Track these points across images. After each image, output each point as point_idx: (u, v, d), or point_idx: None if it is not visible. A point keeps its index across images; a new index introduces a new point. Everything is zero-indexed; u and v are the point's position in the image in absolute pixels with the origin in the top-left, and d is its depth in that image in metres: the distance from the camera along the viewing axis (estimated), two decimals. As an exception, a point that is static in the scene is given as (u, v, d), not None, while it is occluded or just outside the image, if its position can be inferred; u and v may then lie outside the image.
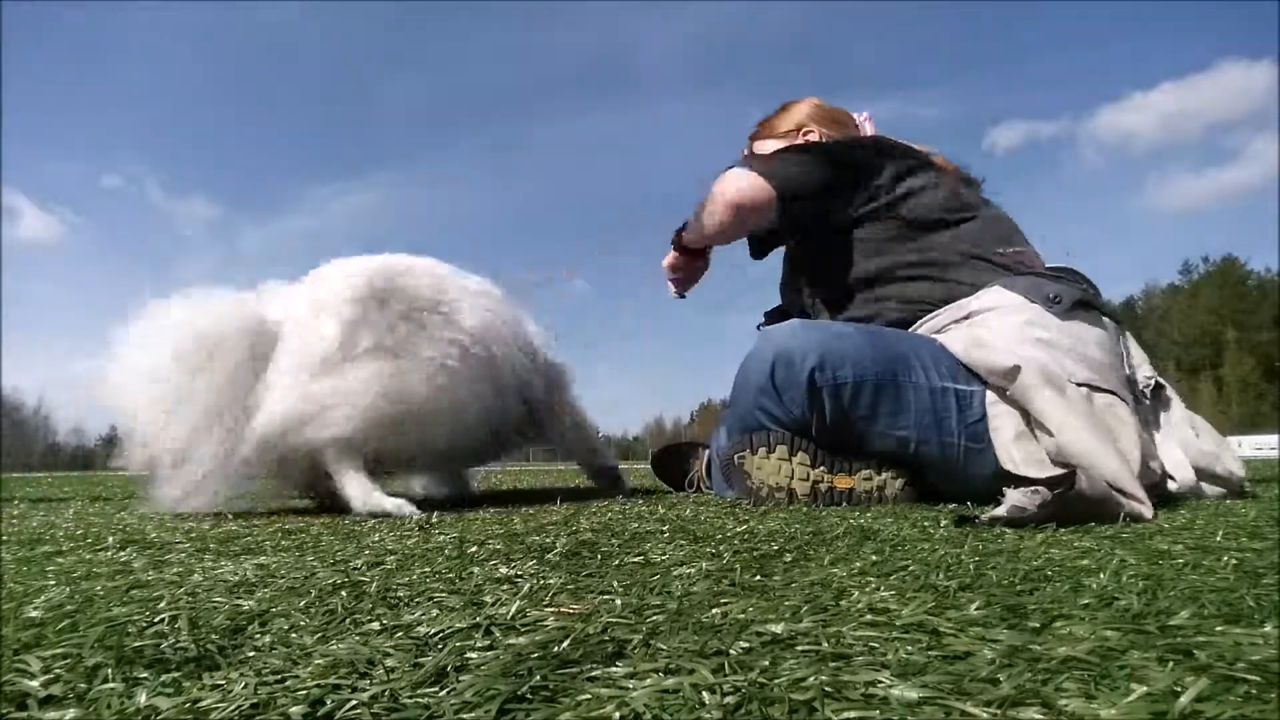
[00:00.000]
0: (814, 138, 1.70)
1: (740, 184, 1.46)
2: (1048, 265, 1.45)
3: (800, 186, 1.46)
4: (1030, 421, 1.20)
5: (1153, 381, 1.38)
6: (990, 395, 1.24)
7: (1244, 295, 41.97)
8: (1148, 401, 1.36)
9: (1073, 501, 0.90)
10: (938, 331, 1.39)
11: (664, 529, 0.91)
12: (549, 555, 0.70)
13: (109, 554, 0.79)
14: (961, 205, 1.49)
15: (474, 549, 0.76)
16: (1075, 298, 1.31)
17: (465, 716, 0.29)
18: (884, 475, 1.30)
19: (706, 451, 1.89)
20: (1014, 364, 1.18)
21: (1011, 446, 1.19)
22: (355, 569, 0.65)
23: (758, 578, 0.57)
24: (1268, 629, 0.39)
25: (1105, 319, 1.36)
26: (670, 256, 1.72)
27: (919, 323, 1.43)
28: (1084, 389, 1.18)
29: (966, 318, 1.35)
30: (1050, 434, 1.14)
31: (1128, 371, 1.35)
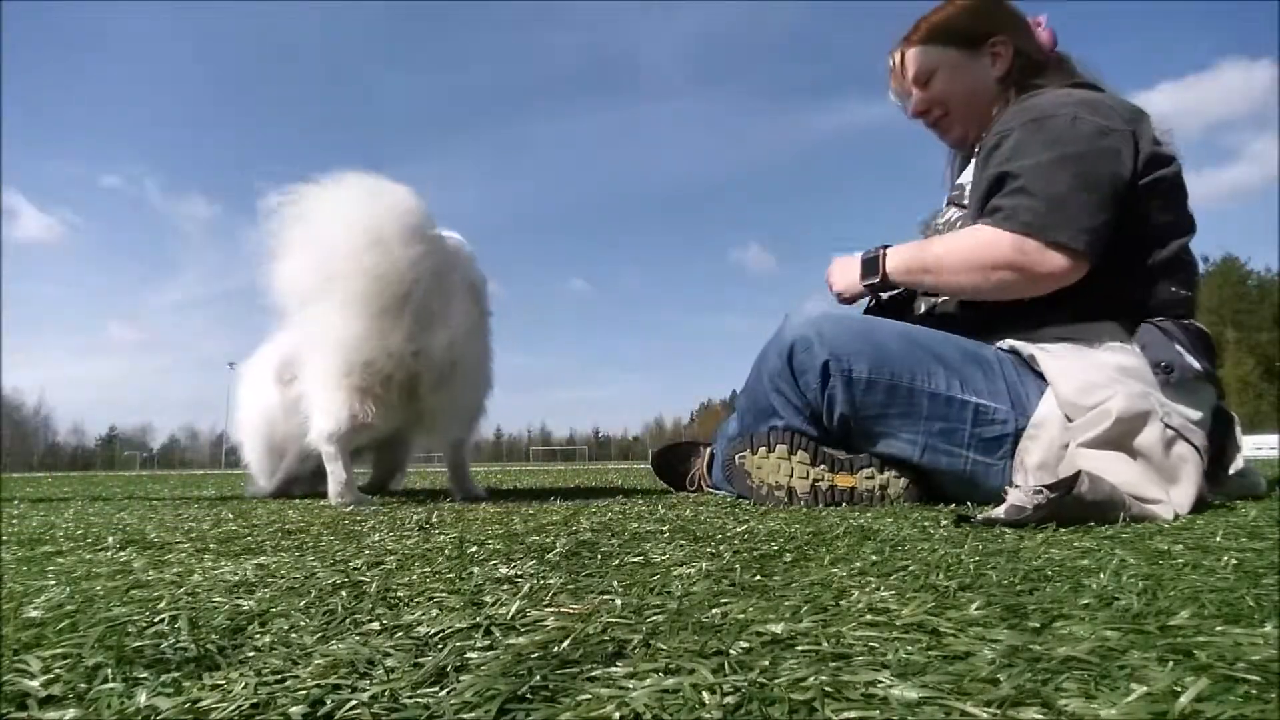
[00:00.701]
0: (1005, 53, 1.38)
1: (1052, 262, 1.19)
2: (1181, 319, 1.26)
3: (1103, 238, 1.20)
4: (1061, 456, 1.15)
5: (1241, 464, 1.28)
6: (1039, 415, 1.19)
7: (1244, 295, 41.97)
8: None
9: (1069, 505, 0.90)
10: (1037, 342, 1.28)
11: (664, 529, 0.91)
12: (549, 555, 0.70)
13: (109, 554, 0.79)
14: (1184, 224, 1.28)
15: (474, 549, 0.76)
16: (1189, 374, 1.17)
17: (465, 716, 0.29)
18: (886, 474, 1.29)
19: (707, 450, 1.89)
20: (1105, 397, 1.11)
21: (1032, 471, 1.16)
22: (355, 569, 0.65)
23: (758, 578, 0.57)
24: (1268, 629, 0.39)
25: (1213, 398, 1.22)
26: (850, 284, 1.43)
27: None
28: (1170, 431, 1.11)
29: (1073, 338, 1.25)
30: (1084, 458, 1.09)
31: (1237, 462, 1.25)
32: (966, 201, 1.39)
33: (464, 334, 1.51)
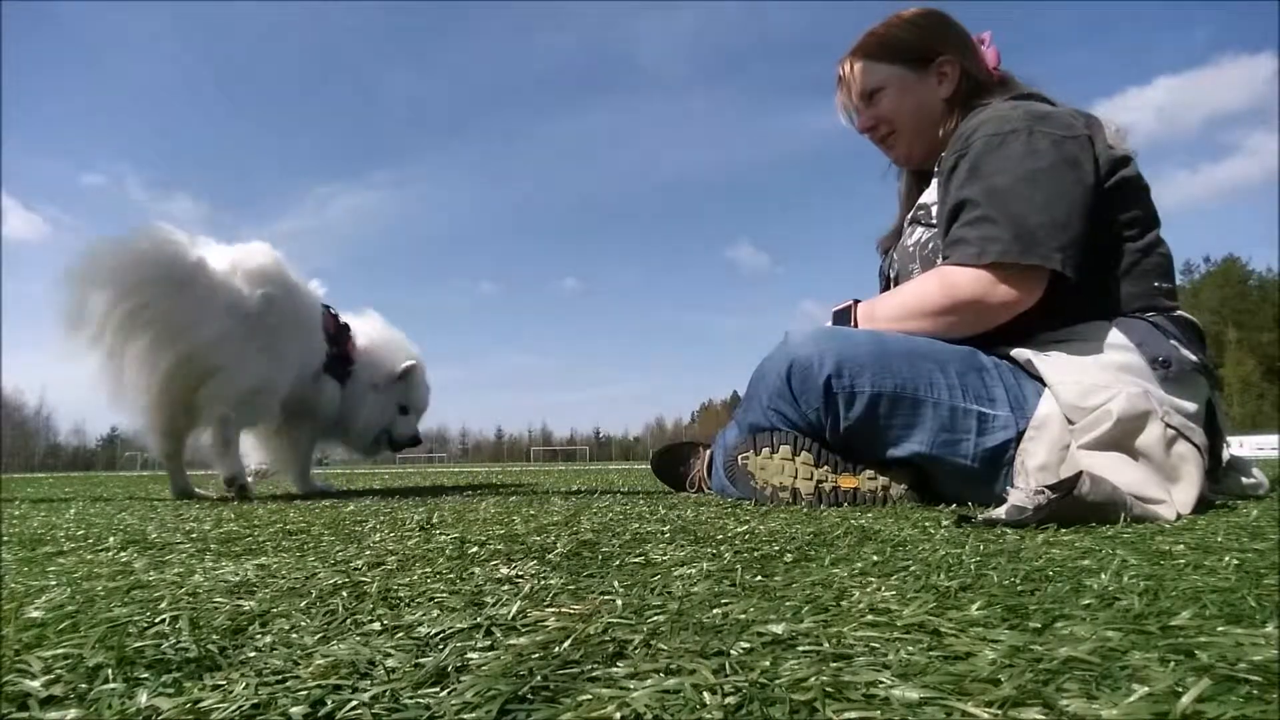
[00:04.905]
0: (952, 73, 1.41)
1: (1026, 286, 1.21)
2: (1169, 312, 1.27)
3: (1078, 250, 1.20)
4: (1062, 458, 1.15)
5: (1228, 457, 1.29)
6: (1039, 416, 1.18)
7: (1245, 295, 41.99)
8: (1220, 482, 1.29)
9: (1070, 506, 0.90)
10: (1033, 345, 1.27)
11: (665, 529, 0.91)
12: (550, 556, 0.70)
13: (110, 554, 0.79)
14: (1151, 217, 1.28)
15: (474, 549, 0.76)
16: (1187, 366, 1.17)
17: (466, 717, 0.29)
18: (888, 476, 1.30)
19: (707, 451, 1.89)
20: (1108, 398, 1.10)
21: (1033, 473, 1.16)
22: (356, 569, 0.65)
23: (759, 578, 0.57)
24: (1269, 629, 0.39)
25: (1208, 388, 1.22)
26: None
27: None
28: (1171, 430, 1.11)
29: (1067, 340, 1.25)
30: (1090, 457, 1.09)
31: (1225, 453, 1.26)
32: (935, 220, 1.39)
33: (214, 340, 1.92)
